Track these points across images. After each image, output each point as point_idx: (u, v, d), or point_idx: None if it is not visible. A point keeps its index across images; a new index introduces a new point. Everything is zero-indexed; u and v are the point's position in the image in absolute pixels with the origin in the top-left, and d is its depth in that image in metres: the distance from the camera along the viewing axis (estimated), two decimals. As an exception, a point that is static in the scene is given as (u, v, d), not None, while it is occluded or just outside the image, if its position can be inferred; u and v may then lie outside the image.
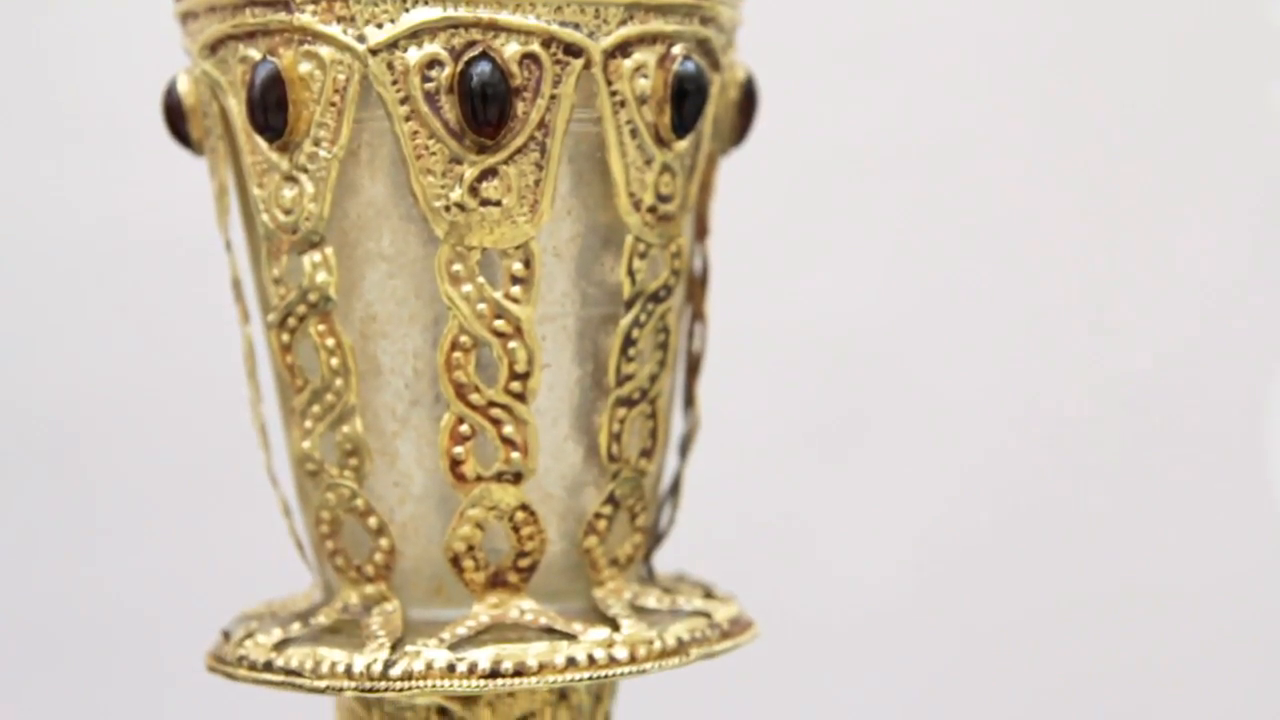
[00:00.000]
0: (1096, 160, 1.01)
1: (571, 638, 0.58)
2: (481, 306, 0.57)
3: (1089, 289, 1.01)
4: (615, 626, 0.58)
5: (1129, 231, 1.01)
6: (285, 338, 0.59)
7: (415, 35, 0.56)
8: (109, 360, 0.99)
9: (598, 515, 0.60)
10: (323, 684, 0.57)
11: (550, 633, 0.58)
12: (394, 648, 0.57)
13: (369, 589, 0.60)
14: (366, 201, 0.57)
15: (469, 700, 0.59)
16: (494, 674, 0.56)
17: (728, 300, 0.70)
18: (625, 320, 0.59)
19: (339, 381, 0.58)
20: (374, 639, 0.58)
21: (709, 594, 0.63)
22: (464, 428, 0.58)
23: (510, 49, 0.56)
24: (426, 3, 0.56)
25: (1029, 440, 1.01)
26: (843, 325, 1.00)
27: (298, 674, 0.58)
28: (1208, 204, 1.01)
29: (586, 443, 0.59)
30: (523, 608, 0.59)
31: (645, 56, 0.58)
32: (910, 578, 1.00)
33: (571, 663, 0.57)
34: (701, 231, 0.64)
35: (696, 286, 0.64)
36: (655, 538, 0.64)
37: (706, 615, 0.61)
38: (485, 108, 0.55)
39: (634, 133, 0.58)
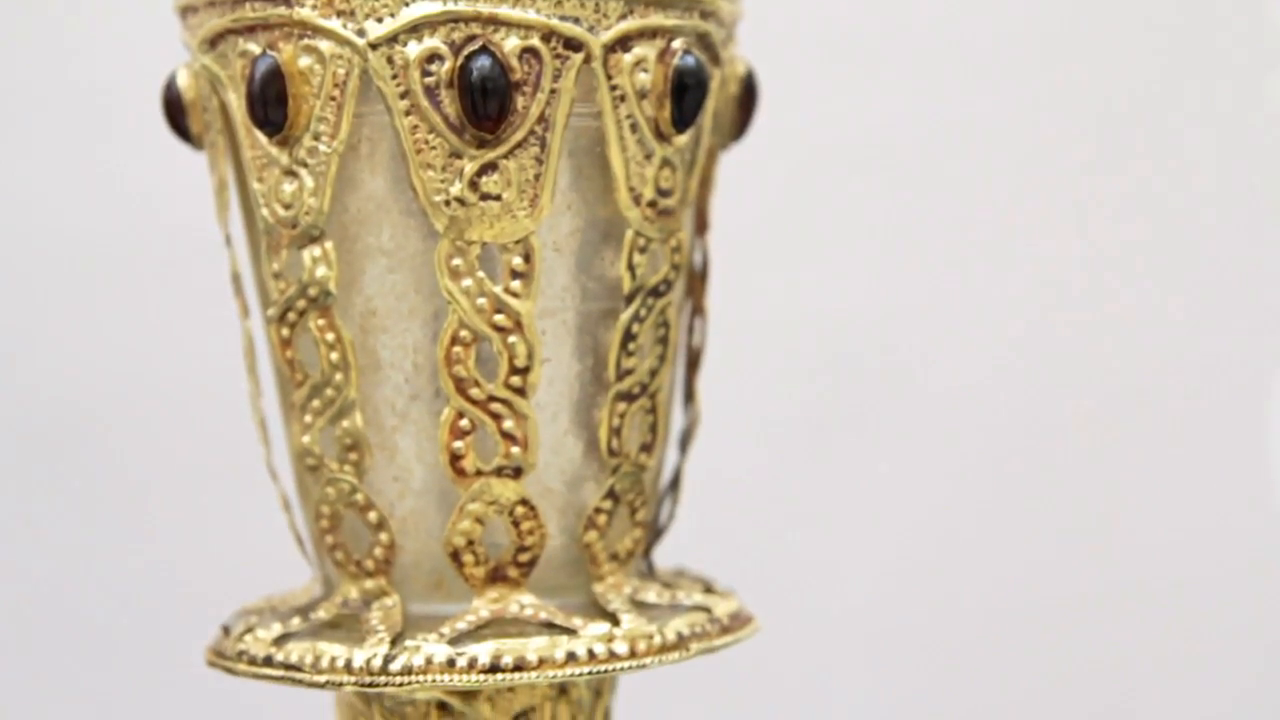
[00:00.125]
0: (1094, 154, 1.01)
1: (571, 633, 0.58)
2: (481, 301, 0.57)
3: (1087, 283, 1.01)
4: (615, 621, 0.58)
5: (1126, 225, 1.01)
6: (285, 332, 0.59)
7: (415, 29, 0.56)
8: (109, 355, 0.99)
9: (598, 510, 0.60)
10: (322, 679, 0.57)
11: (550, 627, 0.58)
12: (394, 642, 0.57)
13: (369, 584, 0.60)
14: (366, 196, 0.57)
15: (469, 695, 0.59)
16: (494, 669, 0.56)
17: (728, 295, 0.70)
18: (625, 315, 0.59)
19: (339, 376, 0.58)
20: (374, 634, 0.58)
21: (709, 589, 0.63)
22: (464, 422, 0.58)
23: (510, 43, 0.56)
24: (426, -3, 0.56)
25: (1026, 434, 1.01)
26: (842, 320, 1.00)
27: (297, 669, 0.58)
28: (1206, 199, 1.01)
29: (586, 437, 0.59)
30: (523, 602, 0.59)
31: (645, 51, 0.58)
32: (909, 571, 1.00)
33: (571, 658, 0.57)
34: (701, 226, 0.64)
35: (696, 281, 0.64)
36: (655, 532, 0.64)
37: (706, 610, 0.61)
38: (485, 102, 0.55)
39: (634, 127, 0.58)
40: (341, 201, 0.57)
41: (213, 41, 0.59)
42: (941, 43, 1.00)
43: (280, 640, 0.59)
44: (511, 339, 0.57)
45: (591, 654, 0.57)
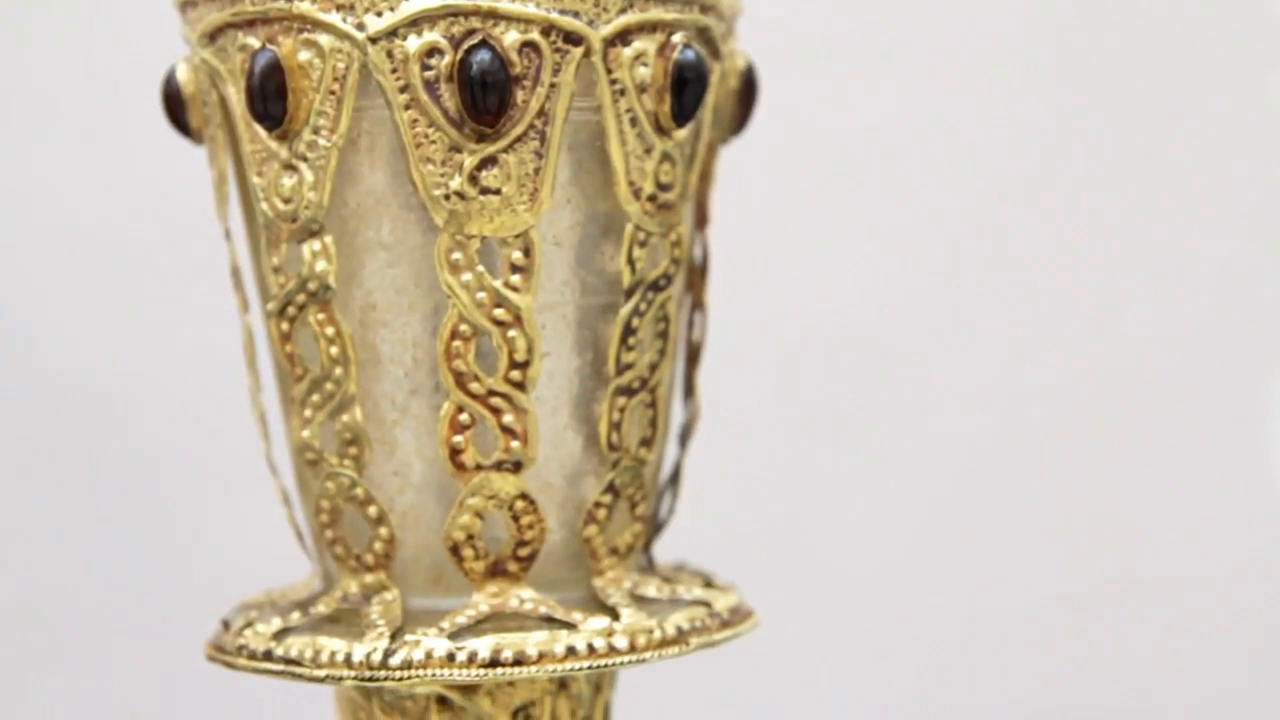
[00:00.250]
0: (1095, 151, 1.01)
1: (571, 627, 0.58)
2: (481, 295, 0.57)
3: (1087, 279, 1.01)
4: (615, 616, 0.58)
5: (1127, 223, 1.01)
6: (285, 326, 0.59)
7: (415, 23, 0.55)
8: (109, 350, 0.99)
9: (597, 504, 0.60)
10: (322, 673, 0.57)
11: (550, 622, 0.58)
12: (393, 637, 0.57)
13: (368, 578, 0.60)
14: (366, 190, 0.57)
15: (469, 689, 0.59)
16: (494, 663, 0.56)
17: (728, 289, 0.70)
18: (625, 309, 0.59)
19: (338, 370, 0.58)
20: (373, 628, 0.58)
21: (709, 583, 0.63)
22: (464, 416, 0.58)
23: (510, 37, 0.56)
24: (426, -10, 0.56)
25: (1026, 429, 1.01)
26: (841, 314, 1.00)
27: (297, 663, 0.58)
28: (1206, 196, 1.01)
29: (586, 432, 0.59)
30: (522, 597, 0.59)
31: (645, 45, 0.58)
32: (909, 565, 1.00)
33: (571, 652, 0.57)
34: (701, 220, 0.64)
35: (696, 275, 0.64)
36: (655, 527, 0.64)
37: (706, 604, 0.61)
38: (485, 96, 0.55)
39: (634, 121, 0.58)
40: (341, 196, 0.57)
41: (212, 35, 0.59)
42: (942, 37, 1.00)
43: (280, 635, 0.59)
44: (511, 333, 0.57)
45: (591, 648, 0.57)
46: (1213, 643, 1.00)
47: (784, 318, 1.00)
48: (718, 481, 0.81)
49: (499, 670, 0.56)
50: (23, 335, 0.99)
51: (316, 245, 0.58)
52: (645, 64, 0.58)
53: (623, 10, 0.57)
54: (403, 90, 0.56)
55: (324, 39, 0.56)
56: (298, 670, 0.58)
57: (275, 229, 0.58)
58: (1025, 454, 1.01)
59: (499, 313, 0.57)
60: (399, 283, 0.58)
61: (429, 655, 0.57)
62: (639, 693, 0.72)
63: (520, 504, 0.58)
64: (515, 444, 0.58)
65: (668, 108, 0.58)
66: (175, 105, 0.61)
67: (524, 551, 0.59)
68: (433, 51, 0.56)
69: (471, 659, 0.56)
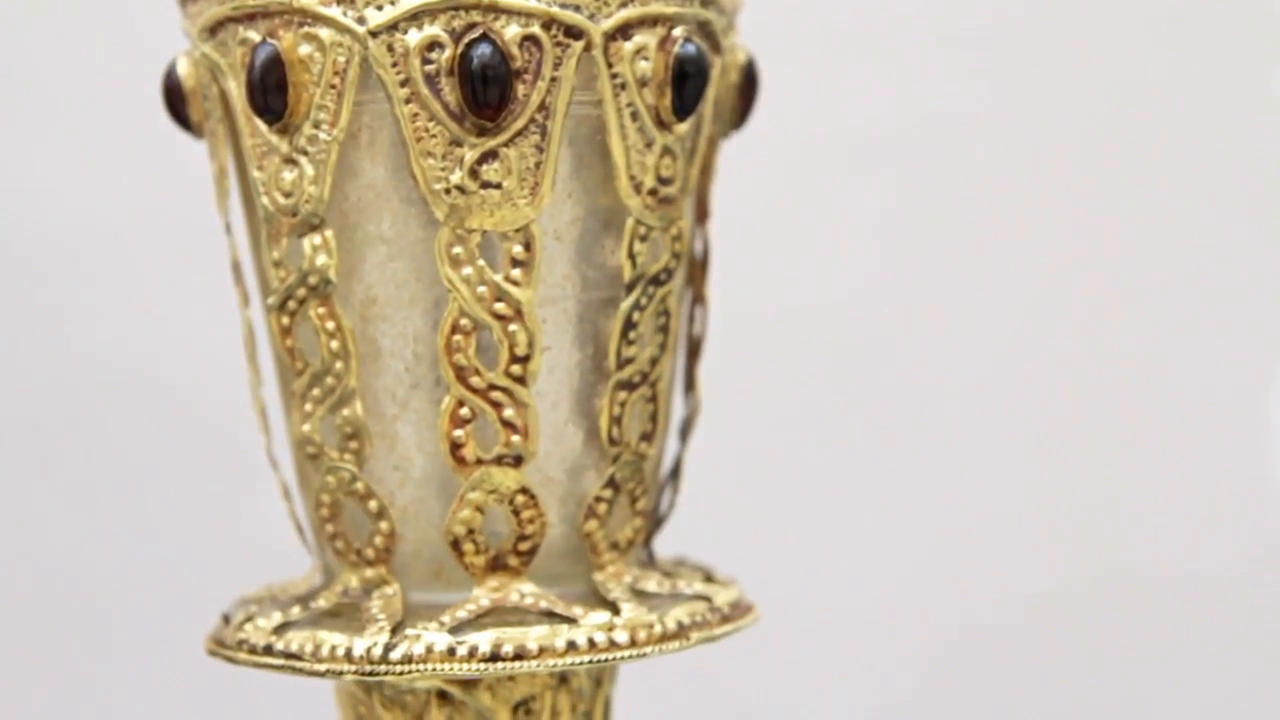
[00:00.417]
0: (1097, 145, 1.00)
1: (572, 621, 0.58)
2: (482, 289, 0.57)
3: (1089, 274, 1.01)
4: (615, 610, 0.58)
5: (1129, 218, 1.01)
6: (285, 321, 0.59)
7: (415, 17, 0.55)
8: (109, 344, 0.98)
9: (598, 499, 0.60)
10: (322, 667, 0.57)
11: (550, 616, 0.58)
12: (394, 631, 0.57)
13: (369, 572, 0.60)
14: (366, 184, 0.57)
15: (469, 684, 0.59)
16: (494, 658, 0.56)
17: (728, 284, 0.70)
18: (626, 303, 0.59)
19: (339, 364, 0.58)
20: (374, 622, 0.58)
21: (709, 578, 0.63)
22: (464, 411, 0.57)
23: (510, 31, 0.55)
24: (426, -16, 0.56)
25: (1027, 424, 1.01)
26: (842, 308, 1.00)
27: (297, 657, 0.58)
28: (1208, 191, 1.01)
29: (587, 426, 0.59)
30: (523, 591, 0.59)
31: (646, 39, 0.57)
32: (909, 560, 1.00)
33: (572, 646, 0.57)
34: (702, 214, 0.64)
35: (697, 270, 0.64)
36: (656, 521, 0.64)
37: (707, 599, 0.61)
38: (485, 90, 0.55)
39: (634, 115, 0.58)
40: (342, 190, 0.57)
41: (213, 29, 0.59)
42: (943, 31, 1.00)
43: (280, 629, 0.59)
44: (512, 327, 0.57)
45: (592, 643, 0.57)
46: (1213, 641, 1.00)
47: (785, 312, 1.00)
48: (718, 476, 0.81)
49: (499, 665, 0.56)
50: (24, 329, 0.99)
51: (317, 239, 0.58)
52: (646, 58, 0.57)
53: (623, 4, 0.57)
54: (403, 84, 0.56)
55: (324, 33, 0.56)
56: (298, 665, 0.58)
57: (276, 223, 0.58)
58: (1025, 447, 1.01)
59: (500, 307, 0.57)
60: (399, 277, 0.57)
61: (429, 650, 0.57)
62: (639, 687, 0.72)
63: (521, 498, 0.58)
64: (516, 438, 0.58)
65: (668, 102, 0.58)
66: (176, 99, 0.61)
67: (524, 546, 0.59)
68: (433, 45, 0.55)
69: (472, 653, 0.56)
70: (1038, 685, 1.01)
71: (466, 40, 0.55)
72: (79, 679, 0.99)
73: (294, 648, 0.58)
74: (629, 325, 0.59)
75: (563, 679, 0.60)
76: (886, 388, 1.01)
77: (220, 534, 0.97)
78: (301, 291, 0.58)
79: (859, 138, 0.99)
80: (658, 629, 0.58)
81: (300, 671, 0.58)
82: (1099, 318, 1.01)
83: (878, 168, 1.00)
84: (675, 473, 0.65)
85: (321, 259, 0.58)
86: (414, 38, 0.56)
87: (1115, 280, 1.01)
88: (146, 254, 0.98)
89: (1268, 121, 1.00)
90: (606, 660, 0.57)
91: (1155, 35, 1.00)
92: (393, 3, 0.56)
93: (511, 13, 0.55)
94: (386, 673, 0.57)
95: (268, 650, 0.58)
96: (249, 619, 0.60)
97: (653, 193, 0.58)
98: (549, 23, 0.56)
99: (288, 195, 0.58)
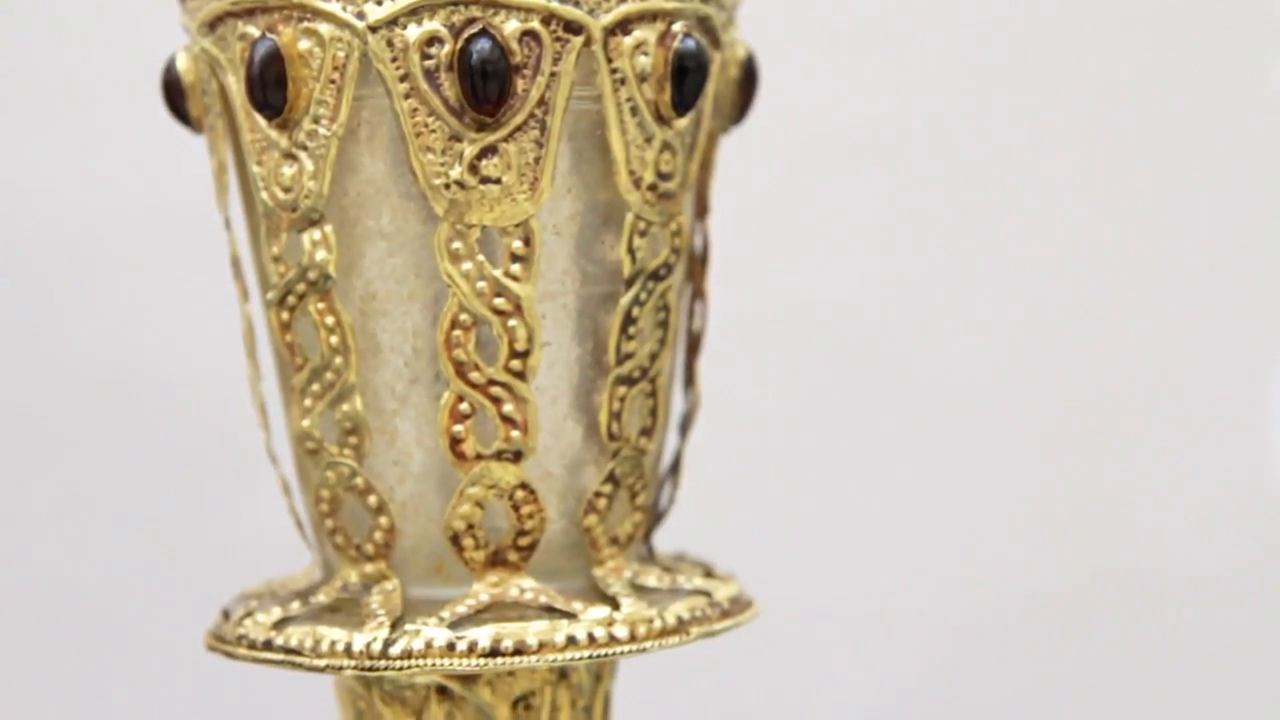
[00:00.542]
0: (1096, 142, 1.00)
1: (571, 616, 0.58)
2: (481, 284, 0.57)
3: (1089, 270, 1.01)
4: (615, 605, 0.58)
5: (1128, 215, 1.01)
6: (285, 316, 0.59)
7: (415, 12, 0.55)
8: (108, 339, 0.98)
9: (598, 494, 0.60)
10: (322, 663, 0.57)
11: (550, 611, 0.58)
12: (394, 626, 0.57)
13: (369, 567, 0.60)
14: (366, 179, 0.57)
15: (469, 679, 0.59)
16: (494, 653, 0.56)
17: (728, 279, 0.69)
18: (625, 298, 0.59)
19: (338, 360, 0.58)
20: (373, 618, 0.58)
21: (709, 573, 0.63)
22: (464, 406, 0.57)
23: (510, 26, 0.55)
24: (426, -21, 0.56)
25: (1027, 421, 1.01)
26: (842, 304, 1.00)
27: (297, 653, 0.58)
28: (1207, 188, 1.01)
29: (586, 421, 0.59)
30: (523, 586, 0.59)
31: (645, 34, 0.57)
32: (908, 556, 1.00)
33: (571, 641, 0.57)
34: (702, 210, 0.64)
35: (697, 265, 0.64)
36: (655, 516, 0.64)
37: (706, 594, 0.61)
38: (485, 85, 0.55)
39: (634, 110, 0.58)
40: (341, 185, 0.57)
41: (212, 24, 0.59)
42: (943, 27, 1.00)
43: (280, 624, 0.59)
44: (511, 322, 0.57)
45: (591, 638, 0.57)
46: (1213, 639, 1.00)
47: (784, 307, 1.00)
48: (718, 471, 0.81)
49: (499, 660, 0.56)
50: (23, 325, 0.99)
51: (316, 234, 0.58)
52: (646, 53, 0.57)
53: (623, -1, 0.57)
54: (403, 79, 0.56)
55: (324, 28, 0.56)
56: (298, 660, 0.58)
57: (275, 218, 0.58)
58: (1026, 444, 1.01)
59: (499, 302, 0.57)
60: (399, 272, 0.57)
61: (429, 645, 0.57)
62: (639, 682, 0.72)
63: (520, 493, 0.58)
64: (515, 433, 0.58)
65: (668, 97, 0.58)
66: (175, 94, 0.61)
67: (524, 541, 0.59)
68: (433, 40, 0.55)
69: (471, 648, 0.56)
70: (1037, 682, 1.01)
71: (466, 35, 0.55)
72: (78, 675, 0.99)
73: (294, 643, 0.58)
74: (629, 320, 0.59)
75: (562, 674, 0.60)
76: (887, 383, 1.01)
77: (220, 529, 0.97)
78: (301, 287, 0.58)
79: (859, 132, 0.99)
80: (657, 624, 0.58)
81: (300, 667, 0.58)
82: (1099, 314, 1.01)
83: (878, 162, 1.00)
84: (675, 468, 0.65)
85: (321, 254, 0.58)
86: (413, 33, 0.56)
87: (1115, 277, 1.01)
88: (146, 249, 0.98)
89: (1268, 119, 1.00)
90: (606, 655, 0.57)
91: (1154, 33, 1.00)
92: (392, -2, 0.56)
93: (511, 8, 0.55)
94: (386, 668, 0.57)
95: (267, 645, 0.58)
96: (249, 614, 0.60)
97: (652, 188, 0.58)
98: (548, 18, 0.56)
99: (287, 190, 0.58)
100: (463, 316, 0.57)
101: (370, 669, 0.57)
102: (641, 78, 0.57)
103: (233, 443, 0.80)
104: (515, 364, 0.57)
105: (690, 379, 0.65)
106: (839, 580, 1.00)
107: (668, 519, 0.65)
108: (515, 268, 0.57)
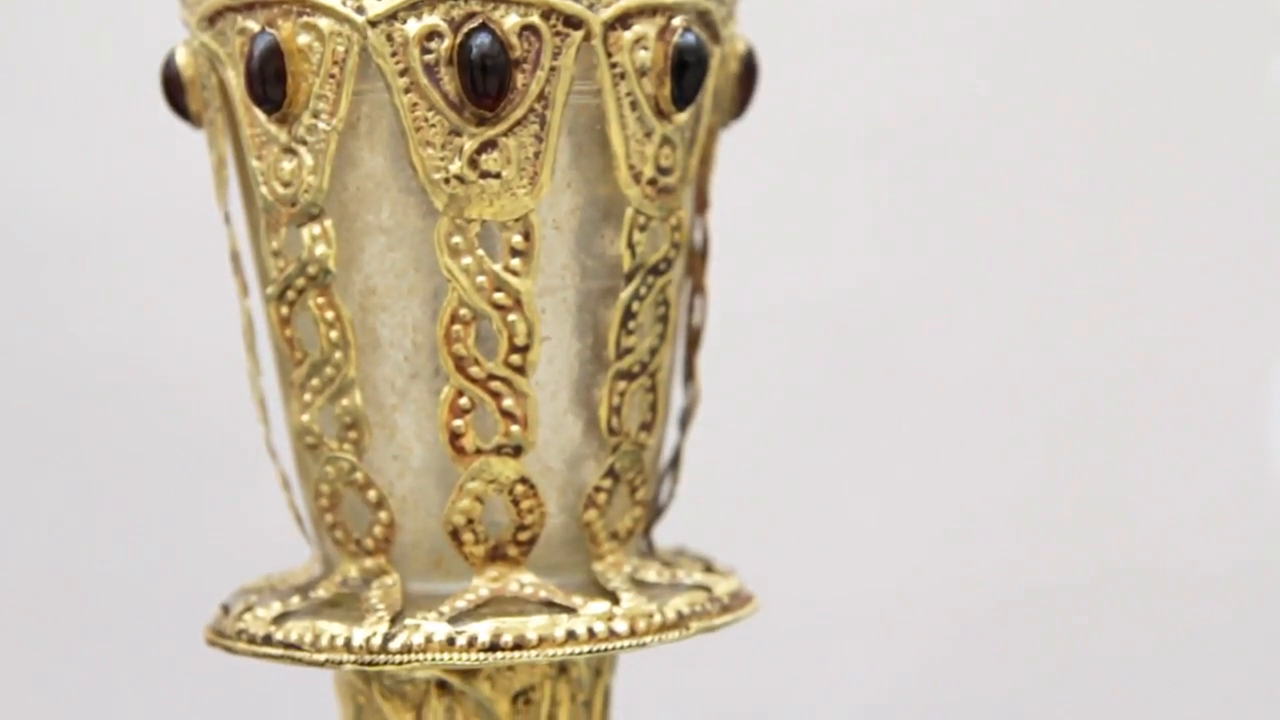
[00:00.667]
0: (1096, 138, 1.00)
1: (571, 611, 0.58)
2: (481, 279, 0.57)
3: (1089, 266, 1.01)
4: (615, 600, 0.58)
5: (1128, 212, 1.00)
6: (284, 311, 0.59)
7: (414, 6, 0.55)
8: (107, 335, 0.98)
9: (597, 489, 0.60)
10: (322, 657, 0.57)
11: (550, 606, 0.58)
12: (393, 621, 0.57)
13: (368, 562, 0.60)
14: (366, 174, 0.57)
15: (469, 674, 0.59)
16: (493, 647, 0.56)
17: (728, 273, 0.69)
18: (625, 293, 0.59)
19: (338, 354, 0.58)
20: (373, 612, 0.58)
21: (709, 568, 0.63)
22: (463, 401, 0.57)
23: (510, 20, 0.55)
24: (425, -26, 0.56)
25: (1027, 416, 1.01)
26: (842, 299, 1.00)
27: (297, 647, 0.58)
28: (1208, 185, 1.01)
29: (586, 416, 0.59)
30: (522, 581, 0.59)
31: (645, 28, 0.57)
32: (909, 551, 1.00)
33: (571, 636, 0.57)
34: (702, 204, 0.64)
35: (697, 259, 0.64)
36: (655, 511, 0.64)
37: (706, 589, 0.61)
38: (485, 80, 0.55)
39: (634, 105, 0.58)
40: (341, 179, 0.57)
41: (211, 19, 0.59)
42: (943, 21, 1.00)
43: (280, 619, 0.59)
44: (511, 317, 0.57)
45: (591, 633, 0.57)
46: (1213, 637, 1.00)
47: (784, 302, 1.00)
48: (718, 466, 0.81)
49: (499, 654, 0.56)
50: (23, 321, 0.99)
51: (316, 229, 0.58)
52: (645, 48, 0.57)
53: (623, -6, 0.57)
54: (402, 74, 0.56)
55: (323, 22, 0.56)
56: (297, 655, 0.58)
57: (275, 213, 0.58)
58: (1025, 441, 1.01)
59: (499, 297, 0.57)
60: (399, 267, 0.57)
61: (429, 639, 0.57)
62: (639, 677, 0.72)
63: (520, 488, 0.58)
64: (515, 428, 0.58)
65: (668, 91, 0.58)
66: (174, 89, 0.61)
67: (524, 536, 0.59)
68: (432, 35, 0.55)
69: (471, 643, 0.56)
70: (1038, 680, 1.01)
71: (465, 30, 0.55)
72: (78, 670, 0.99)
73: (293, 638, 0.58)
74: (628, 315, 0.59)
75: (562, 669, 0.60)
76: (887, 378, 1.01)
77: (219, 524, 0.97)
78: (300, 281, 0.58)
79: (859, 127, 0.99)
80: (657, 619, 0.58)
81: (299, 661, 0.58)
82: (1099, 312, 1.01)
83: (878, 157, 1.00)
84: (675, 463, 0.65)
85: (320, 249, 0.58)
86: (413, 27, 0.55)
87: (1115, 274, 1.01)
88: (145, 244, 0.98)
89: (1268, 118, 1.00)
90: (606, 650, 0.57)
91: (1154, 28, 1.00)
92: (392, -8, 0.56)
93: (510, 2, 0.55)
94: (386, 663, 0.57)
95: (267, 640, 0.58)
96: (248, 609, 0.60)
97: (652, 182, 0.58)
98: (548, 12, 0.56)
99: (287, 185, 0.58)
100: (462, 311, 0.57)
101: (370, 664, 0.57)
102: (641, 72, 0.57)
103: (232, 438, 0.80)
104: (515, 359, 0.57)
105: (690, 374, 0.65)
106: (839, 575, 1.00)
107: (667, 514, 0.65)
108: (515, 262, 0.57)
